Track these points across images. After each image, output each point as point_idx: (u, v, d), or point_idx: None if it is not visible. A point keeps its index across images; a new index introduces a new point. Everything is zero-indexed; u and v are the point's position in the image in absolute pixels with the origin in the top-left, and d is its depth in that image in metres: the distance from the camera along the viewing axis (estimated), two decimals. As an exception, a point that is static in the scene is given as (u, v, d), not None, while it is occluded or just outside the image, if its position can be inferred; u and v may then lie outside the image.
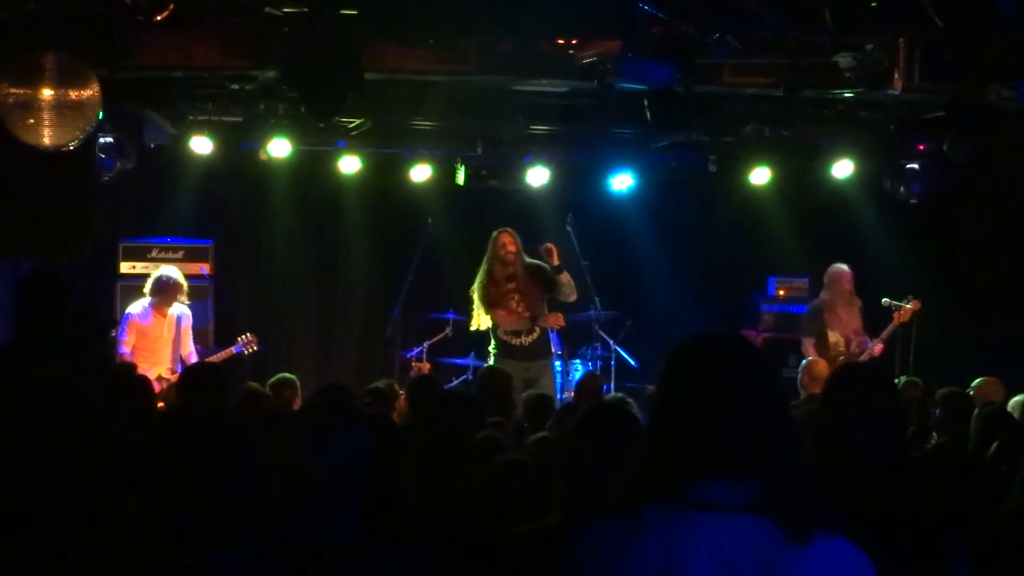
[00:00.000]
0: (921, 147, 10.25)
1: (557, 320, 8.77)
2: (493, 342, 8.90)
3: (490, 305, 8.78)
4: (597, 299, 10.14)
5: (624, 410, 3.25)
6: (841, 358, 9.05)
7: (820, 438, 2.79)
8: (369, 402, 6.28)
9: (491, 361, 8.73)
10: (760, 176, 10.94)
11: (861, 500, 2.61)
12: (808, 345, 9.53)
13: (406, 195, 11.32)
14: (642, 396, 8.53)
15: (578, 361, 10.58)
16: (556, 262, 8.72)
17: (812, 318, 9.67)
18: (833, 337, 9.48)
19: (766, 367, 2.13)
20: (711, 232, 12.03)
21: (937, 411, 6.68)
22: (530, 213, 11.06)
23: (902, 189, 10.80)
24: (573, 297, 8.87)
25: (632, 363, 10.63)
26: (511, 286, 8.82)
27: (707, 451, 2.03)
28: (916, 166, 10.53)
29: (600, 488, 2.38)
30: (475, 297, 8.89)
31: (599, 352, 10.52)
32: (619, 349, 10.63)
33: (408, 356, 10.59)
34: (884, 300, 9.57)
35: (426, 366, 10.33)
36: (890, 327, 9.50)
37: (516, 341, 8.92)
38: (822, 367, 8.10)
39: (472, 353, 10.50)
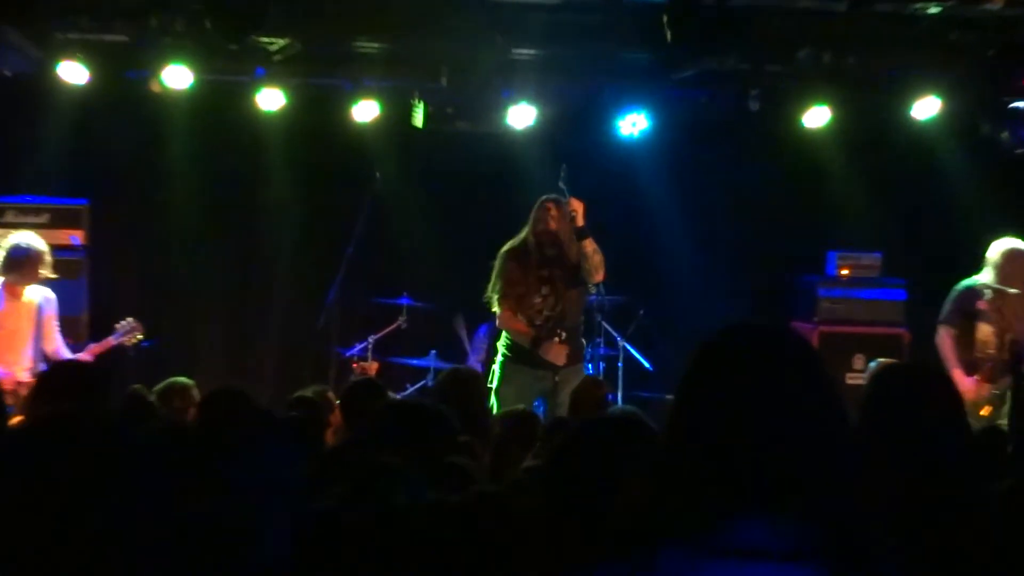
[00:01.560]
0: (1030, 79, 9.59)
1: (558, 356, 8.87)
2: (505, 339, 9.04)
3: (505, 286, 8.91)
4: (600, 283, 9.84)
5: (633, 426, 3.33)
6: (989, 365, 9.26)
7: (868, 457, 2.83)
8: (295, 416, 6.28)
9: (497, 366, 8.97)
10: (817, 117, 11.08)
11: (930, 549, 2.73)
12: (946, 337, 9.52)
13: (346, 141, 11.48)
14: (658, 408, 8.79)
15: None
16: (581, 222, 8.80)
17: (963, 301, 9.60)
18: (985, 335, 9.46)
19: (822, 371, 2.21)
20: (751, 192, 12.21)
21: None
22: (510, 165, 11.24)
23: (1004, 135, 10.94)
24: (599, 276, 9.02)
25: (646, 365, 10.84)
26: (544, 273, 8.96)
27: (743, 480, 2.10)
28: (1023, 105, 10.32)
29: (600, 527, 2.46)
30: (496, 266, 9.01)
31: (602, 351, 10.62)
32: (628, 347, 10.85)
33: (348, 354, 10.77)
34: None
35: (372, 367, 10.56)
36: None
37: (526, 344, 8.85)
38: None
39: (433, 351, 10.83)
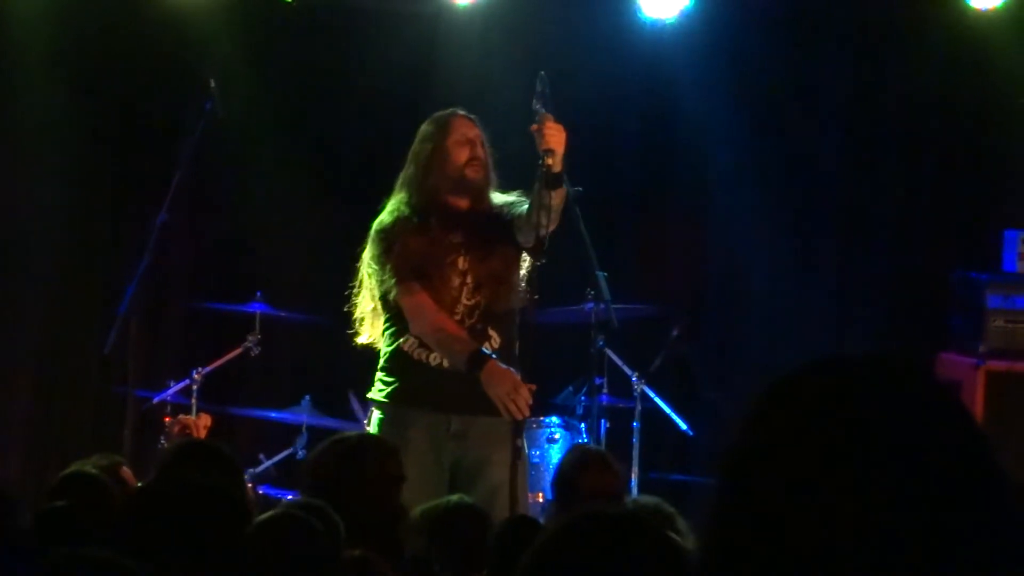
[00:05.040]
0: None
1: (512, 393, 7.08)
2: (387, 362, 7.65)
3: (406, 269, 7.56)
4: (602, 277, 8.67)
5: (655, 533, 3.03)
6: None
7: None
8: (59, 508, 5.32)
9: (374, 416, 7.63)
10: None
11: None
12: None
13: (156, 25, 10.23)
14: (701, 499, 5.80)
15: (556, 421, 9.31)
16: (559, 168, 7.22)
17: None
18: None
19: (983, 447, 1.78)
20: (871, 126, 10.86)
21: None
22: (448, 72, 10.25)
23: None
24: (552, 226, 7.38)
25: (682, 426, 9.64)
26: (456, 238, 7.66)
27: None
28: None
29: None
30: (368, 253, 7.65)
31: (605, 400, 9.39)
32: (652, 394, 9.52)
33: (158, 400, 9.44)
34: None
35: (200, 422, 8.16)
36: None
37: (438, 359, 7.56)
38: None
39: (307, 397, 9.65)
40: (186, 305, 10.43)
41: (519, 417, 7.35)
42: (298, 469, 8.92)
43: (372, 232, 7.83)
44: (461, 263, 7.73)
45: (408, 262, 7.70)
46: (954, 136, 10.87)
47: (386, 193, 7.98)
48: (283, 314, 9.73)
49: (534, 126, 7.42)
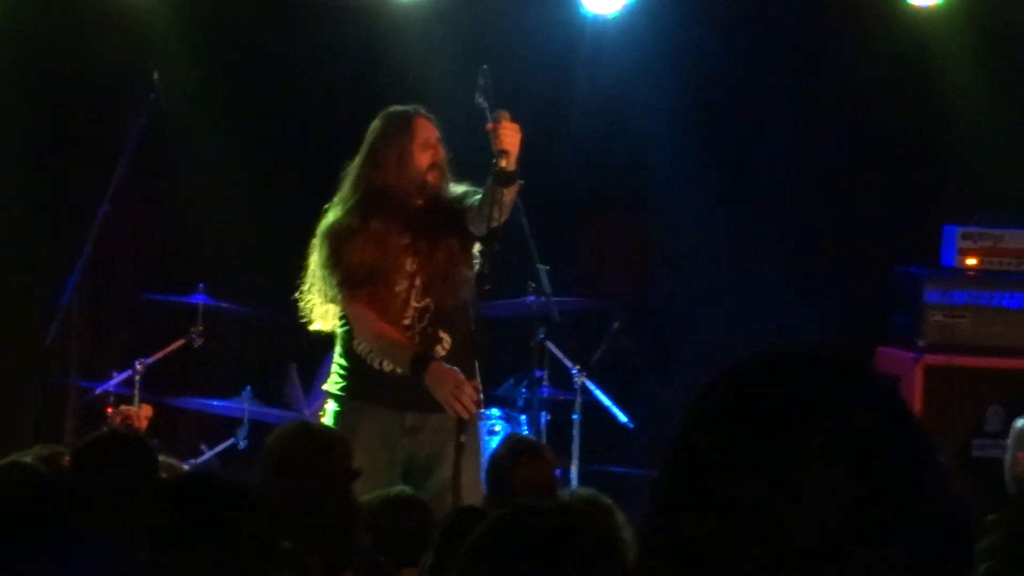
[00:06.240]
0: None
1: (456, 391, 7.27)
2: (341, 359, 7.75)
3: (354, 278, 7.59)
4: (542, 270, 8.97)
5: (591, 526, 3.15)
6: None
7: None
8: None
9: (329, 408, 7.72)
10: None
11: None
12: None
13: (98, 15, 10.18)
14: (641, 492, 8.74)
15: (497, 413, 9.54)
16: (513, 167, 7.35)
17: None
18: None
19: (920, 439, 1.83)
20: (815, 121, 10.91)
21: None
22: (391, 63, 10.25)
23: None
24: (502, 220, 7.55)
25: (622, 419, 9.73)
26: (406, 240, 7.70)
27: None
28: None
29: None
30: (317, 253, 7.65)
31: (546, 392, 9.59)
32: (591, 386, 9.61)
33: (100, 391, 9.43)
34: None
35: (142, 412, 8.58)
36: None
37: (390, 366, 7.64)
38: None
39: (248, 387, 9.70)
40: (129, 296, 10.45)
41: (465, 415, 7.45)
42: (243, 457, 9.34)
43: (321, 233, 7.84)
44: (409, 264, 7.79)
45: (354, 271, 7.76)
46: (894, 132, 10.95)
47: (329, 185, 7.97)
48: (225, 306, 9.78)
49: (490, 125, 7.52)
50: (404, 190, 7.79)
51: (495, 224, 7.64)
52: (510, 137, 7.50)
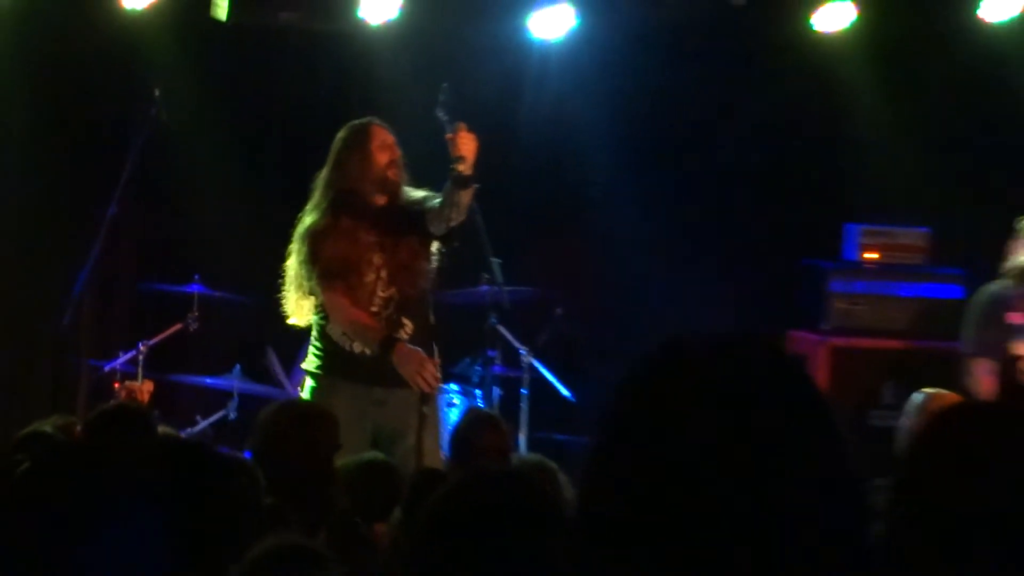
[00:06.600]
0: None
1: (420, 369, 7.92)
2: (317, 342, 8.46)
3: (330, 272, 8.26)
4: (495, 262, 9.23)
5: (539, 487, 3.25)
6: None
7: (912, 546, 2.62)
8: (20, 460, 5.26)
9: (307, 384, 8.39)
10: (834, 16, 10.73)
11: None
12: (982, 375, 8.97)
13: (110, 40, 10.60)
14: (581, 458, 6.96)
15: (455, 388, 10.16)
16: (470, 170, 8.05)
17: (990, 317, 9.09)
18: None
19: (825, 408, 1.92)
20: (732, 132, 11.37)
21: None
22: (362, 83, 10.82)
23: None
24: (459, 220, 8.22)
25: (564, 393, 10.36)
26: (372, 237, 8.34)
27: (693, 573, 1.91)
28: None
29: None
30: (296, 254, 8.35)
31: (498, 370, 10.17)
32: (538, 364, 10.24)
33: (108, 368, 10.02)
34: None
35: (144, 388, 8.99)
36: None
37: (360, 347, 8.34)
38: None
39: (238, 366, 10.29)
40: (132, 286, 10.91)
41: (427, 390, 8.04)
42: (248, 424, 9.24)
43: (299, 234, 8.45)
44: (376, 259, 8.35)
45: (329, 265, 8.34)
46: (804, 144, 11.45)
47: (307, 190, 8.57)
48: (218, 294, 10.33)
49: (449, 135, 8.11)
50: (368, 191, 8.35)
51: (453, 224, 8.21)
52: (467, 145, 8.02)
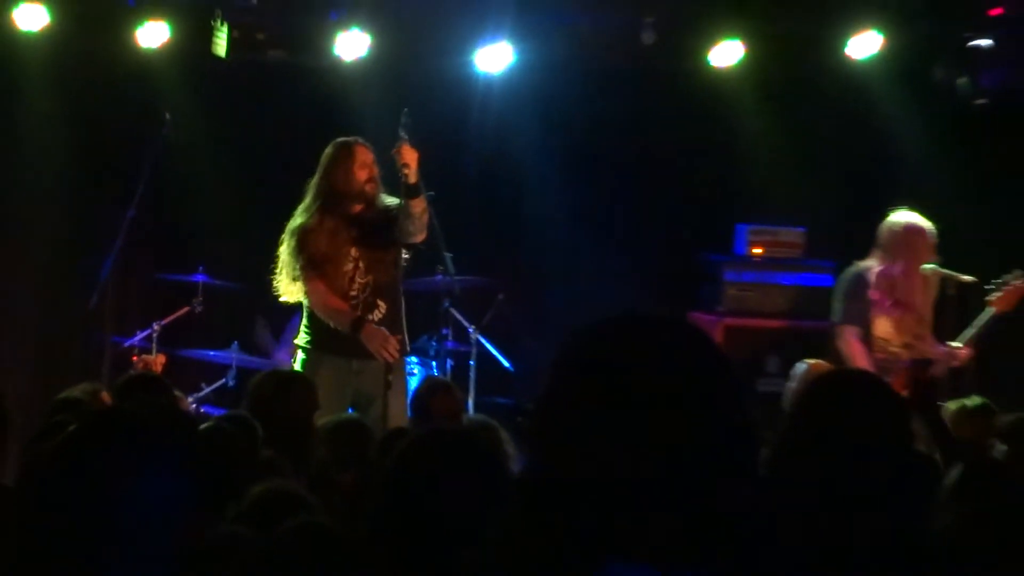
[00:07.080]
0: (997, 11, 10.44)
1: (384, 344, 8.51)
2: (307, 320, 8.83)
3: (312, 263, 8.71)
4: (448, 256, 9.58)
5: (484, 442, 3.51)
6: (902, 367, 8.88)
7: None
8: (59, 421, 5.91)
9: (298, 356, 8.78)
10: (727, 54, 11.05)
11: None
12: (850, 339, 9.31)
13: (128, 73, 11.03)
14: (519, 419, 8.28)
15: (415, 360, 10.33)
16: (414, 178, 8.52)
17: (856, 296, 9.42)
18: (885, 330, 9.31)
19: (725, 375, 2.05)
20: (643, 148, 11.95)
21: (1000, 446, 6.81)
22: (338, 108, 11.00)
23: (964, 80, 10.74)
24: (420, 236, 8.76)
25: (505, 364, 10.80)
26: (353, 233, 8.76)
27: (619, 520, 1.95)
28: (988, 43, 10.57)
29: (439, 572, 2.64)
30: (286, 246, 8.76)
31: (450, 345, 10.56)
32: (483, 340, 10.68)
33: (127, 344, 10.47)
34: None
35: (157, 360, 10.10)
36: (983, 320, 9.25)
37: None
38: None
39: (235, 342, 10.70)
40: (148, 275, 11.24)
41: (390, 360, 8.53)
42: (231, 393, 10.19)
43: (289, 231, 8.81)
44: (354, 252, 8.77)
45: (313, 257, 8.70)
46: (703, 159, 11.79)
47: (296, 196, 8.97)
48: (219, 283, 10.68)
49: (394, 150, 8.53)
50: (349, 199, 8.72)
51: (414, 240, 8.69)
52: (408, 154, 8.45)
